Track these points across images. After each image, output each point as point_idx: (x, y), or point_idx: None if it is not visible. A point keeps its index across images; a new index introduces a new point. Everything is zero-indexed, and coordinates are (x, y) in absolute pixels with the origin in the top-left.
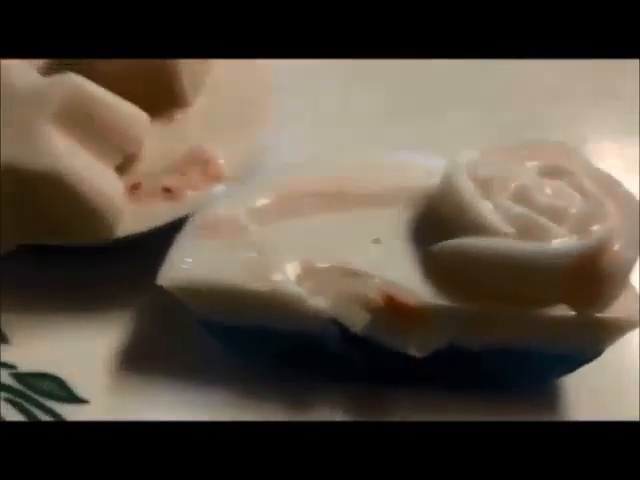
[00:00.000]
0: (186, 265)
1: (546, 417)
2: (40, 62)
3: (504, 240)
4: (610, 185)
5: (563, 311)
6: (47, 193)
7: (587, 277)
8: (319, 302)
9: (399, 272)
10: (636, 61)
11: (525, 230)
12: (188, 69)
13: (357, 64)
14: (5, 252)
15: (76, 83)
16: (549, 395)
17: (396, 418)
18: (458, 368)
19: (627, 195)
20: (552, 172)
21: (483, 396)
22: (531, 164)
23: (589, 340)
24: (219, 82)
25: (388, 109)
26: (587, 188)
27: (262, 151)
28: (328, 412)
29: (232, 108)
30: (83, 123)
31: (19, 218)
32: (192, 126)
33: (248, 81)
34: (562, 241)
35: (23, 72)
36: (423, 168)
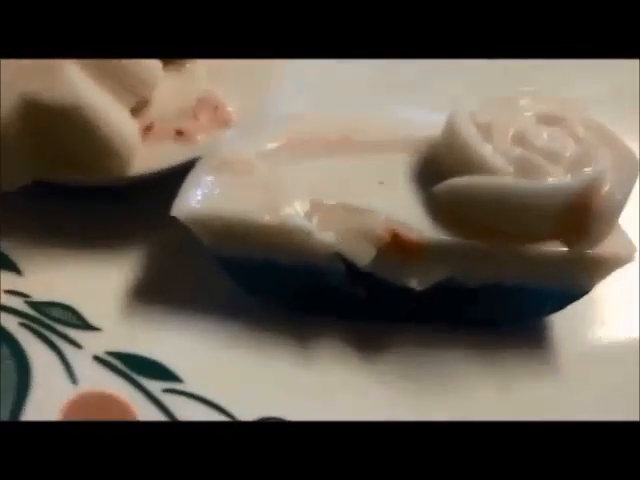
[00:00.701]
0: (199, 197)
1: (534, 352)
2: None
3: (503, 178)
4: (602, 133)
5: (556, 247)
6: (65, 128)
7: (579, 215)
8: (326, 236)
9: (403, 211)
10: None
11: (523, 169)
12: None
13: None
14: (21, 186)
15: None
16: (539, 331)
17: (393, 354)
18: (455, 303)
19: (618, 142)
20: (548, 120)
21: (477, 333)
22: (528, 112)
23: (579, 276)
24: None
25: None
26: (581, 135)
27: (270, 99)
28: (330, 347)
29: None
30: (104, 66)
31: (36, 152)
32: (201, 74)
33: None
34: (557, 179)
35: None
36: (425, 120)
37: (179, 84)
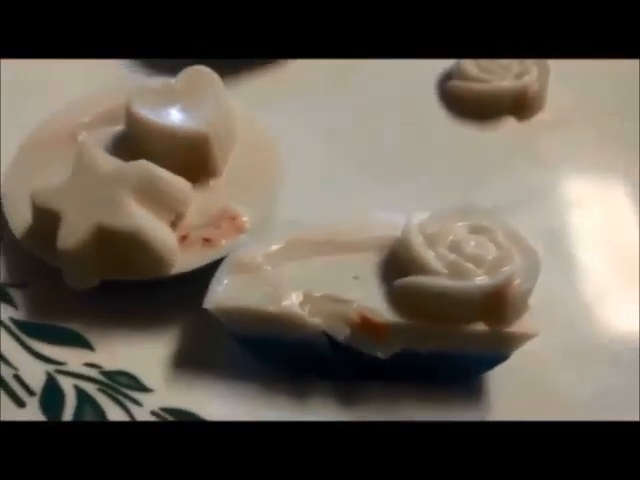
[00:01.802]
0: (222, 294)
1: (471, 407)
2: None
3: (440, 279)
4: (517, 238)
5: (481, 327)
6: (126, 244)
7: (497, 304)
8: (314, 320)
9: (372, 299)
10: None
11: (455, 272)
12: (219, 147)
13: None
14: (93, 285)
15: (147, 167)
16: (473, 385)
17: (366, 402)
18: (412, 366)
19: (526, 245)
20: (477, 229)
21: (426, 387)
22: (463, 223)
23: (499, 347)
24: (241, 155)
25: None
26: (500, 241)
27: (275, 209)
28: (320, 399)
29: (251, 174)
30: (150, 193)
31: (102, 261)
32: (222, 190)
33: (263, 151)
34: (479, 279)
35: (103, 158)
36: (392, 223)
37: (205, 200)
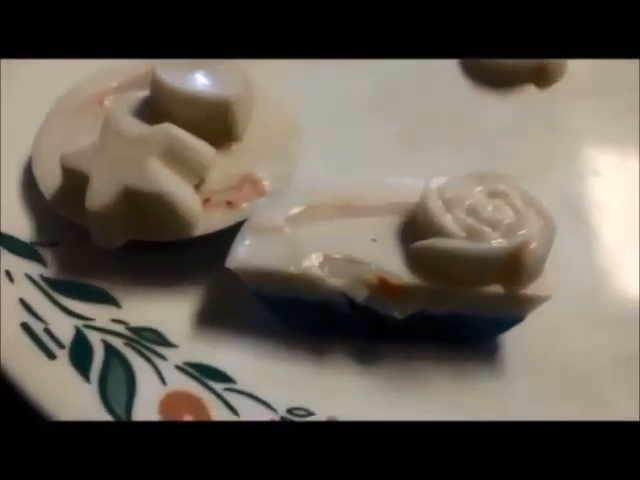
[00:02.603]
0: (244, 254)
1: (486, 367)
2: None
3: (457, 241)
4: (533, 203)
5: (497, 289)
6: (151, 205)
7: (513, 266)
8: (334, 281)
9: (389, 262)
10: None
11: (472, 235)
12: (240, 113)
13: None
14: (120, 245)
15: (171, 130)
16: (491, 346)
17: (384, 363)
18: (428, 326)
19: (543, 210)
20: (495, 194)
21: (445, 348)
22: (481, 188)
23: (514, 309)
24: (260, 119)
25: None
26: (517, 206)
27: (294, 174)
28: (338, 356)
29: (271, 140)
30: (175, 157)
31: (130, 222)
32: (244, 155)
33: (281, 117)
34: (495, 242)
35: (129, 123)
36: (409, 188)
37: (227, 164)
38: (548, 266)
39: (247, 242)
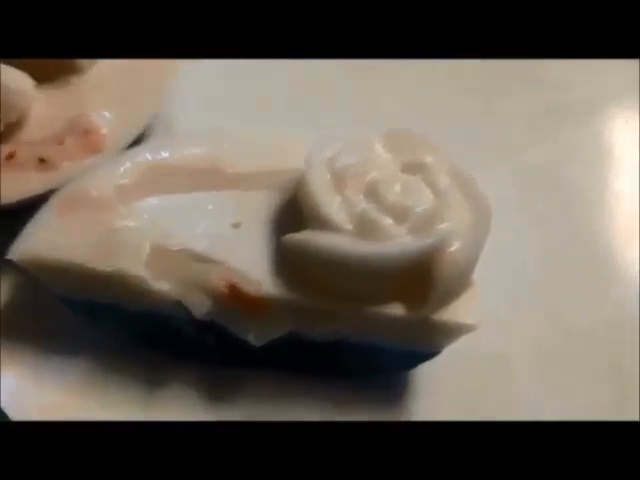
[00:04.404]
0: (37, 241)
1: (388, 407)
2: None
3: (342, 238)
4: (466, 184)
5: (398, 310)
6: None
7: (420, 278)
8: (163, 285)
9: (249, 259)
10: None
11: (364, 228)
12: None
13: None
14: None
15: None
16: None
17: (242, 401)
18: (300, 355)
19: (480, 196)
20: (412, 167)
21: (330, 384)
22: (394, 156)
23: (425, 339)
24: None
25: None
26: (441, 186)
27: (151, 120)
28: (180, 391)
29: (131, 73)
30: None
31: None
32: (84, 93)
33: None
34: (396, 242)
35: None
36: (299, 150)
37: (57, 103)
38: (476, 278)
39: (47, 223)
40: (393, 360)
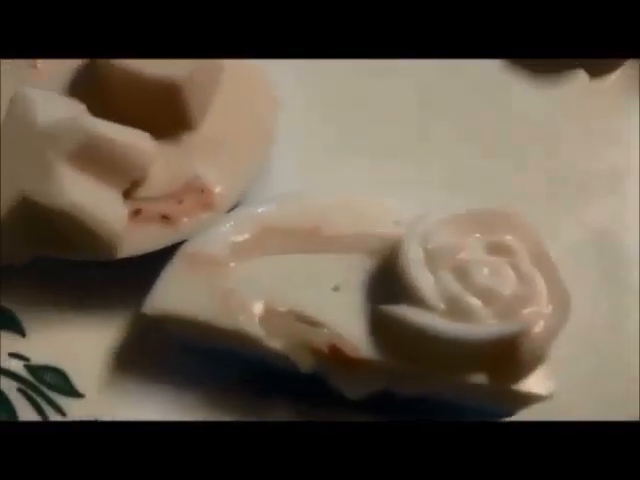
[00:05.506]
0: (167, 298)
1: None
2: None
3: (433, 317)
4: (546, 266)
5: (481, 380)
6: (57, 220)
7: (503, 354)
8: (274, 343)
9: (347, 322)
10: None
11: (454, 309)
12: (195, 91)
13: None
14: (23, 261)
15: (87, 125)
16: None
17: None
18: (390, 404)
19: (557, 280)
20: (497, 248)
21: None
22: (479, 237)
23: (502, 404)
24: (227, 103)
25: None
26: (524, 270)
27: (255, 183)
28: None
29: (235, 133)
30: (93, 158)
31: (33, 235)
32: (196, 150)
33: (255, 101)
34: (485, 325)
35: (43, 106)
36: (393, 214)
37: (172, 160)
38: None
39: (173, 280)
40: (470, 415)
